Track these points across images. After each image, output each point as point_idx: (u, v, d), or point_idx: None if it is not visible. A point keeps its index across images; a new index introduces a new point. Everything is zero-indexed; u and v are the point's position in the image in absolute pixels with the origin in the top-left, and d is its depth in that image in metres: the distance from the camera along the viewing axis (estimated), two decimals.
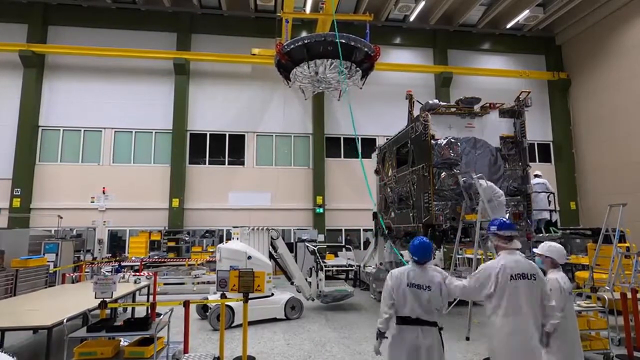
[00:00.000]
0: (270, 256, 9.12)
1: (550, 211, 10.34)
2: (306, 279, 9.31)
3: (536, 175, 10.62)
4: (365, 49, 10.51)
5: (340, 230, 18.50)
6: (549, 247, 4.30)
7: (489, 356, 3.98)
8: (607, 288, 7.14)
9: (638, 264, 7.36)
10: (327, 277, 10.81)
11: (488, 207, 7.11)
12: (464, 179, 7.82)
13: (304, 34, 16.68)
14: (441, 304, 3.72)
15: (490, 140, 8.75)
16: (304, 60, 10.51)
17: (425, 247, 3.81)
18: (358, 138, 9.11)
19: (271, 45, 18.21)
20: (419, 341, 3.58)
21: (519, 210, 8.54)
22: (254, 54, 17.88)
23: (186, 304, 5.54)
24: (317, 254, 12.35)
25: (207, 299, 8.45)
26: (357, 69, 10.96)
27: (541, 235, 9.67)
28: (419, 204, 8.66)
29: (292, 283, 9.18)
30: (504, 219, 4.02)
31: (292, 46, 10.30)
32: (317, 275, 9.32)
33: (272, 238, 9.18)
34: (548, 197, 10.37)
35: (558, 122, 20.11)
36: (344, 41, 9.90)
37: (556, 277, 4.14)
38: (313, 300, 9.32)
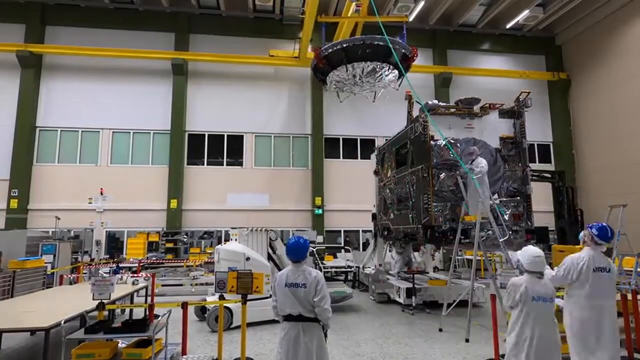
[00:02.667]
0: (269, 257, 9.08)
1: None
2: None
3: None
4: (403, 51, 10.60)
5: (339, 231, 18.46)
6: (524, 252, 4.21)
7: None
8: None
9: (638, 265, 7.34)
10: (326, 279, 10.72)
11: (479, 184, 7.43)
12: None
13: (299, 35, 16.61)
14: None
15: (490, 140, 8.74)
16: (342, 63, 10.54)
17: None
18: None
19: (270, 45, 18.21)
20: None
21: (519, 212, 8.52)
22: (272, 56, 17.85)
23: (184, 306, 5.49)
24: (316, 255, 12.31)
25: (206, 300, 8.40)
26: (393, 70, 11.01)
27: None
28: (419, 205, 8.63)
29: None
30: (606, 227, 4.36)
31: (330, 50, 10.31)
32: None
33: (270, 239, 9.14)
34: None
35: (558, 123, 20.12)
36: (382, 43, 9.93)
37: (516, 278, 4.17)
38: None
